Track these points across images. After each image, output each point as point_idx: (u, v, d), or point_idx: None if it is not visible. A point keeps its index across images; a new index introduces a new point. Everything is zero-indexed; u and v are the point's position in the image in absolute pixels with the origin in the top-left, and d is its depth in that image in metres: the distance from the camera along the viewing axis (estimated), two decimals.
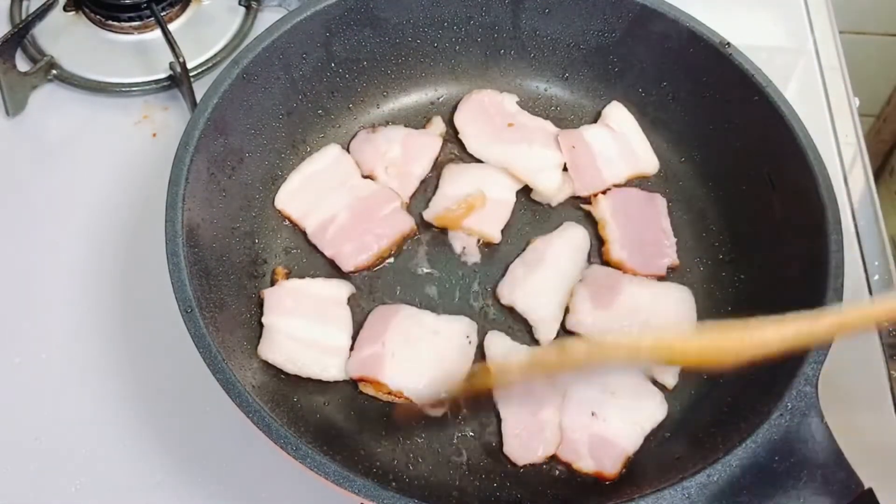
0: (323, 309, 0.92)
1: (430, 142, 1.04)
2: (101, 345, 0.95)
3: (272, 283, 0.93)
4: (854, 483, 0.73)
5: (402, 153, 1.02)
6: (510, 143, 1.03)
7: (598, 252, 0.98)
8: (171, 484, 0.88)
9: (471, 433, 0.87)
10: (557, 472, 0.86)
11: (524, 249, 0.97)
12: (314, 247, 0.97)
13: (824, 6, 1.29)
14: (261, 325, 0.89)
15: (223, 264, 0.90)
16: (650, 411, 0.88)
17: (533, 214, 1.01)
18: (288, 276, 0.94)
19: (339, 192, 0.99)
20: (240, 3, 1.20)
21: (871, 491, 0.73)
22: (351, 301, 0.93)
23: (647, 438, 0.87)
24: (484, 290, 0.96)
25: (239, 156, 0.95)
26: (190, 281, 0.80)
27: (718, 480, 0.73)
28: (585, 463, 0.85)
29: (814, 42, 1.25)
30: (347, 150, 1.03)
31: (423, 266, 0.97)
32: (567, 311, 0.93)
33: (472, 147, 1.04)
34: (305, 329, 0.90)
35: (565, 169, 1.02)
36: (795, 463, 0.74)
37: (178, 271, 0.81)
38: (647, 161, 1.04)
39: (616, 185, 1.02)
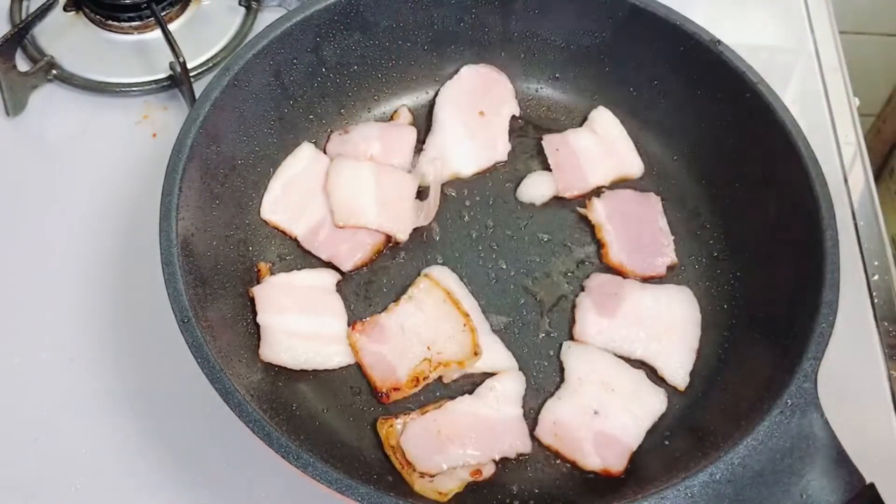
0: (314, 299, 0.92)
1: (405, 132, 1.04)
2: (101, 344, 0.95)
3: (258, 281, 0.93)
4: (856, 478, 0.73)
5: (382, 148, 1.02)
6: (463, 128, 1.04)
7: (598, 255, 0.98)
8: (171, 484, 0.88)
9: None
10: (564, 471, 0.86)
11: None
12: (308, 251, 0.97)
13: (824, 6, 1.29)
14: (257, 331, 0.89)
15: (218, 272, 0.89)
16: (651, 405, 0.89)
17: (516, 215, 1.01)
18: (271, 270, 0.95)
19: (323, 193, 0.98)
20: (240, 3, 1.20)
21: (872, 486, 0.73)
22: (339, 287, 0.94)
23: (649, 437, 0.87)
24: None
25: (231, 163, 0.95)
26: (186, 290, 0.80)
27: (721, 479, 0.74)
28: (592, 461, 0.85)
29: (814, 42, 1.25)
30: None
31: None
32: (573, 321, 0.94)
33: (440, 110, 1.05)
34: (301, 323, 0.90)
35: (549, 169, 1.02)
36: (797, 459, 0.74)
37: (174, 281, 0.80)
38: (631, 164, 1.04)
39: (600, 187, 1.02)
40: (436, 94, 1.07)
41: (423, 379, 0.88)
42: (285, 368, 0.88)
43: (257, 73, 0.95)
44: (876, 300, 1.01)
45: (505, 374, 0.90)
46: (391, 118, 1.07)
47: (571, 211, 1.01)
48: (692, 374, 0.91)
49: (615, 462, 0.85)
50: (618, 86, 1.07)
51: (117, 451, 0.89)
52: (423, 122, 1.07)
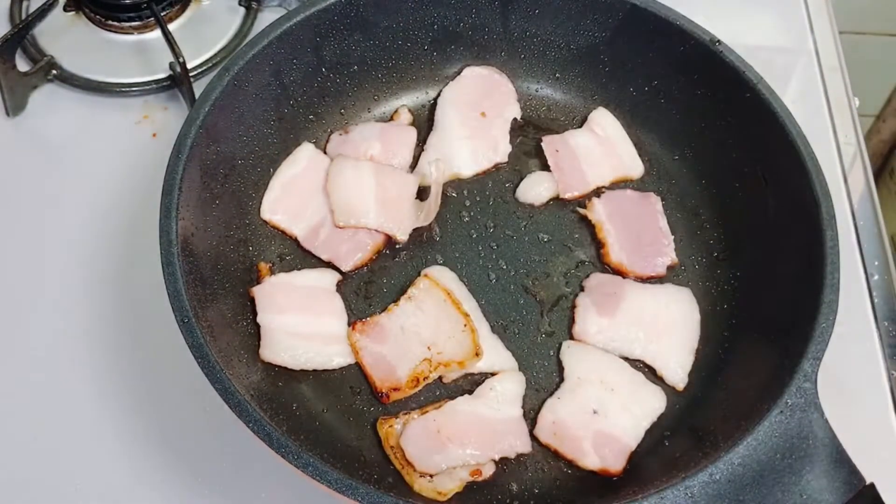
0: (314, 299, 0.92)
1: (405, 132, 1.04)
2: (100, 344, 0.95)
3: (258, 281, 0.93)
4: (856, 478, 0.73)
5: (382, 148, 1.02)
6: (464, 129, 1.04)
7: (598, 255, 0.98)
8: (171, 484, 0.88)
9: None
10: (564, 471, 0.86)
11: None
12: (308, 251, 0.97)
13: (824, 6, 1.29)
14: (257, 331, 0.89)
15: (218, 272, 0.89)
16: (650, 405, 0.89)
17: (516, 215, 1.01)
18: (271, 270, 0.95)
19: (323, 193, 0.98)
20: (240, 3, 1.20)
21: (872, 486, 0.73)
22: (339, 287, 0.94)
23: (649, 437, 0.87)
24: None
25: (231, 163, 0.95)
26: (186, 290, 0.80)
27: (721, 479, 0.74)
28: (591, 460, 0.85)
29: (814, 42, 1.25)
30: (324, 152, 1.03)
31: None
32: (573, 320, 0.94)
33: (441, 111, 1.05)
34: (301, 323, 0.90)
35: (548, 169, 1.02)
36: (797, 459, 0.74)
37: (174, 281, 0.80)
38: (631, 165, 1.04)
39: (600, 188, 1.03)
40: (437, 95, 1.07)
41: (423, 379, 0.88)
42: (285, 368, 0.88)
43: (257, 73, 0.95)
44: (876, 300, 1.01)
45: (505, 374, 0.90)
46: (391, 118, 1.07)
47: (571, 211, 1.01)
48: (692, 374, 0.91)
49: (614, 461, 0.85)
50: (618, 86, 1.06)
51: (117, 451, 0.89)
52: (424, 122, 1.07)
